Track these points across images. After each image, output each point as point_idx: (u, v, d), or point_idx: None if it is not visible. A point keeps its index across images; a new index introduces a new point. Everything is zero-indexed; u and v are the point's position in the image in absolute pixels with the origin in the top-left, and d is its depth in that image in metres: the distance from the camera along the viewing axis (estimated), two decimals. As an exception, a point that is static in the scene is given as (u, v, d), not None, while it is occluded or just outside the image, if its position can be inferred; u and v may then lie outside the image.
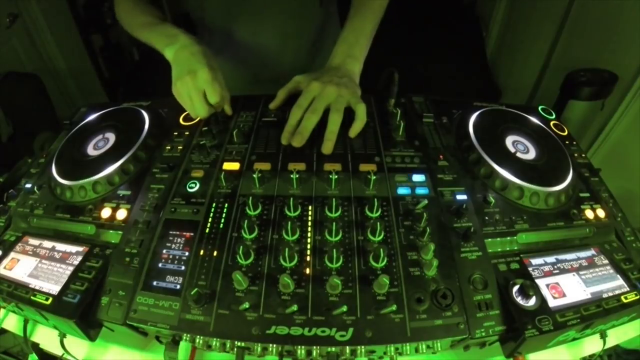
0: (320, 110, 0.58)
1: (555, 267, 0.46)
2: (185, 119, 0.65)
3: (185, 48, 0.63)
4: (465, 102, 0.67)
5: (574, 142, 0.65)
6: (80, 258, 0.47)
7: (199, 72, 0.59)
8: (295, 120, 0.59)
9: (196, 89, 0.60)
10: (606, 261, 0.47)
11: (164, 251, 0.46)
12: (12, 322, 0.55)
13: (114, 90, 2.62)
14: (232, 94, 0.66)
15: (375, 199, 0.48)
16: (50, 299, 0.43)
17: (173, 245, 0.47)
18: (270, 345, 0.40)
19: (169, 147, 0.60)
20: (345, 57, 0.64)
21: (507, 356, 0.43)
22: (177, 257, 0.45)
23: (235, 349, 0.41)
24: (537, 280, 0.44)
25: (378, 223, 0.45)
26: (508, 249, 0.48)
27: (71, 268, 0.46)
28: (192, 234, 0.47)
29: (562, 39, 1.88)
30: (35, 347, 0.55)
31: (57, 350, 0.50)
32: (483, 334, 0.40)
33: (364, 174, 0.52)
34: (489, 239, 0.47)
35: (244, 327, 0.40)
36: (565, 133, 0.66)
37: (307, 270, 0.43)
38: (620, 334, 0.51)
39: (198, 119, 0.64)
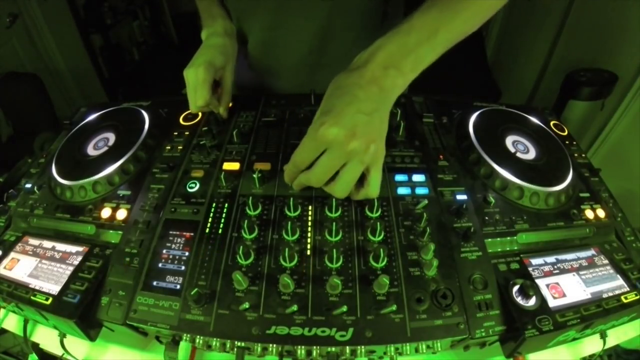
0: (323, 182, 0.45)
1: (555, 267, 0.46)
2: (185, 119, 0.65)
3: (211, 37, 0.63)
4: (465, 102, 0.67)
5: (574, 142, 0.65)
6: (80, 258, 0.47)
7: (192, 70, 0.58)
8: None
9: (189, 83, 0.60)
10: (606, 261, 0.47)
11: (164, 251, 0.46)
12: (12, 322, 0.55)
13: (114, 90, 2.63)
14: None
15: (375, 199, 0.47)
16: (50, 299, 0.43)
17: (173, 245, 0.47)
18: (270, 345, 0.40)
19: (169, 147, 0.60)
20: (388, 65, 0.42)
21: (507, 356, 0.43)
22: (177, 257, 0.45)
23: (235, 349, 0.41)
24: (537, 280, 0.44)
25: (378, 223, 0.45)
26: (508, 249, 0.48)
27: (71, 268, 0.46)
28: (192, 234, 0.47)
29: (562, 39, 1.88)
30: (35, 347, 0.55)
31: (57, 350, 0.50)
32: (483, 334, 0.40)
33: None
34: (489, 239, 0.47)
35: (244, 327, 0.40)
36: (565, 133, 0.66)
37: (307, 271, 0.43)
38: (620, 334, 0.51)
39: (198, 118, 0.64)
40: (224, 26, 0.65)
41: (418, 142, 0.59)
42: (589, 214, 0.52)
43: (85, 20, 2.39)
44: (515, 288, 0.42)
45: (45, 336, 0.54)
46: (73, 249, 0.48)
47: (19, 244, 0.50)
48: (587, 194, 0.55)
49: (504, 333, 0.41)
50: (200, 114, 0.65)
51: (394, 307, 0.40)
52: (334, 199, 0.47)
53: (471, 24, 0.46)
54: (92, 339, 0.44)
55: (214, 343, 0.41)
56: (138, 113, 0.65)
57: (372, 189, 0.45)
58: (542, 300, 0.41)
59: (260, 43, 0.74)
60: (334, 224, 0.45)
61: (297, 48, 0.72)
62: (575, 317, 0.41)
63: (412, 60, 0.43)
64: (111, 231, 0.50)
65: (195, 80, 0.58)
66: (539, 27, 2.06)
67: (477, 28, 0.47)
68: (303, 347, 0.40)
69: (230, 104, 0.66)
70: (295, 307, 0.40)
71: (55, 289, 0.44)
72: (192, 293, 0.40)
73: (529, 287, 0.41)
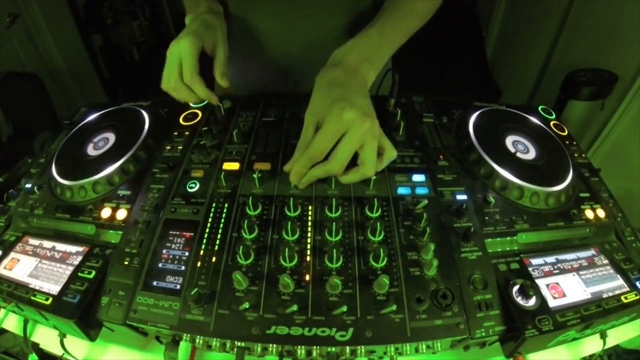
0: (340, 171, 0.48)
1: (555, 267, 0.46)
2: (185, 119, 0.65)
3: (197, 17, 0.60)
4: (465, 102, 0.67)
5: (574, 142, 0.65)
6: (80, 258, 0.47)
7: (183, 39, 0.54)
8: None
9: (172, 56, 0.55)
10: (606, 261, 0.47)
11: (164, 251, 0.46)
12: (12, 322, 0.55)
13: (114, 90, 2.63)
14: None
15: (376, 199, 0.48)
16: (50, 299, 0.43)
17: (173, 245, 0.47)
18: (270, 345, 0.40)
19: (169, 147, 0.60)
20: (362, 60, 0.52)
21: (507, 356, 0.43)
22: (177, 257, 0.45)
23: (235, 349, 0.41)
24: (537, 280, 0.44)
25: (378, 223, 0.45)
26: (508, 249, 0.48)
27: (71, 268, 0.46)
28: (192, 234, 0.47)
29: (562, 39, 1.88)
30: (35, 347, 0.55)
31: (57, 350, 0.50)
32: (483, 334, 0.40)
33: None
34: (489, 239, 0.47)
35: (244, 327, 0.40)
36: (565, 133, 0.66)
37: (307, 271, 0.43)
38: (620, 334, 0.51)
39: (198, 118, 0.64)
40: (208, 7, 0.62)
41: (418, 142, 0.59)
42: (589, 214, 0.52)
43: (85, 20, 2.39)
44: (515, 288, 0.42)
45: (45, 336, 0.54)
46: (73, 249, 0.48)
47: (19, 244, 0.50)
48: (587, 194, 0.55)
49: (504, 333, 0.41)
50: (200, 113, 0.65)
51: (394, 307, 0.40)
52: (334, 199, 0.48)
53: (412, 28, 0.61)
54: (92, 339, 0.44)
55: (214, 343, 0.41)
56: (138, 113, 0.65)
57: (372, 163, 0.48)
58: (542, 300, 0.41)
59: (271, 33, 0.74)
60: (334, 224, 0.45)
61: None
62: (575, 317, 0.41)
63: (379, 56, 0.55)
64: (111, 231, 0.50)
65: (178, 52, 0.54)
66: (539, 27, 2.06)
67: (417, 29, 0.62)
68: (303, 347, 0.40)
69: (226, 102, 0.65)
70: (295, 307, 0.40)
71: (55, 289, 0.44)
72: (192, 293, 0.40)
73: (529, 287, 0.41)
